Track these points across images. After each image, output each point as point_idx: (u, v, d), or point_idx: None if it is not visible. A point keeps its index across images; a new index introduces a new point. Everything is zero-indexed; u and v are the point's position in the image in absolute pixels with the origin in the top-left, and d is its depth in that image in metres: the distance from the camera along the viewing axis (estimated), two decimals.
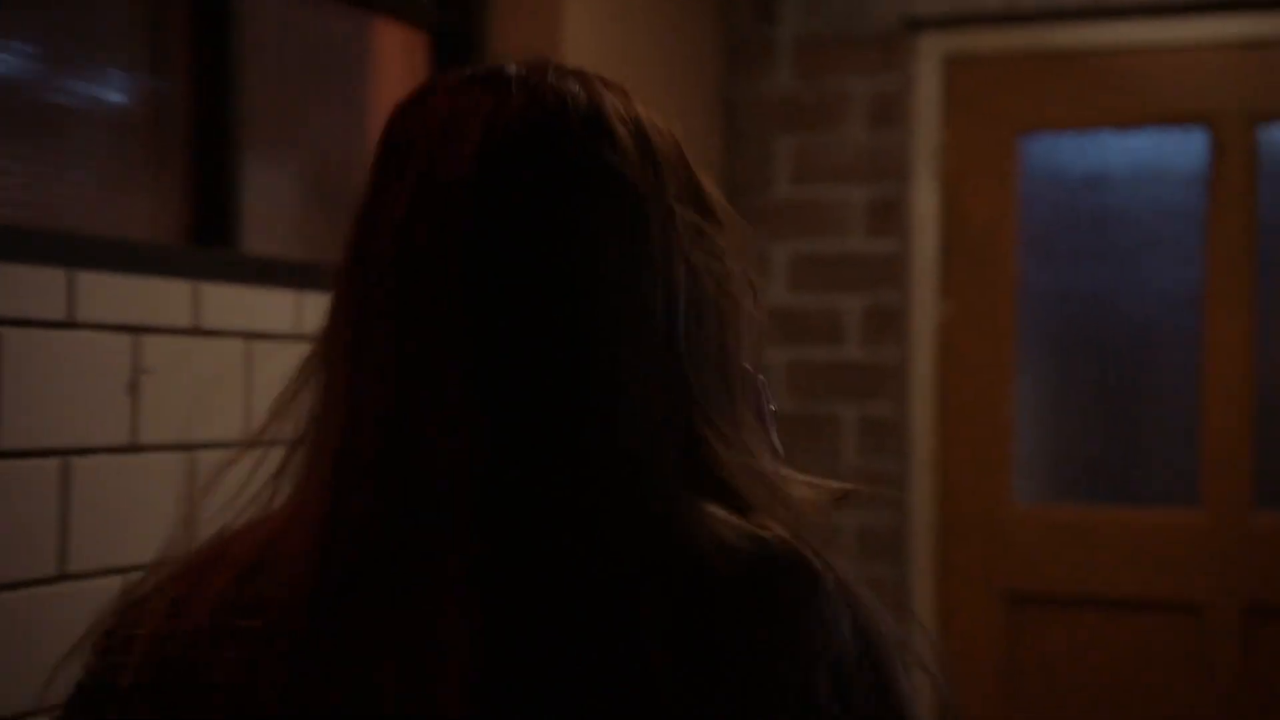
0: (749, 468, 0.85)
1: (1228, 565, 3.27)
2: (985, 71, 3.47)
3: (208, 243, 2.06)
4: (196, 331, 1.88)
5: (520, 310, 0.81)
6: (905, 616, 0.97)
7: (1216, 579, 3.28)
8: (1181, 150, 3.37)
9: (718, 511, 0.82)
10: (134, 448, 1.78)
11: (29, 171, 1.87)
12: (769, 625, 0.80)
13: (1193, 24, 3.32)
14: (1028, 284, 3.48)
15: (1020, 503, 3.45)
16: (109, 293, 1.74)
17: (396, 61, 2.73)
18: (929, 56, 3.48)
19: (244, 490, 0.86)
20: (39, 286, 1.66)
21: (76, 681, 0.87)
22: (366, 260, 0.84)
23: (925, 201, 3.49)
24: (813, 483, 0.91)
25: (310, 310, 2.04)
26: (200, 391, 1.85)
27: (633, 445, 0.81)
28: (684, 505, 0.82)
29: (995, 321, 3.47)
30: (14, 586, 1.61)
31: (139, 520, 1.75)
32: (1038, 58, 3.44)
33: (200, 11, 2.09)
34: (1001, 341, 3.47)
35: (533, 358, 0.81)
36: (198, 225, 2.07)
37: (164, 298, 1.84)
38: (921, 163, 3.49)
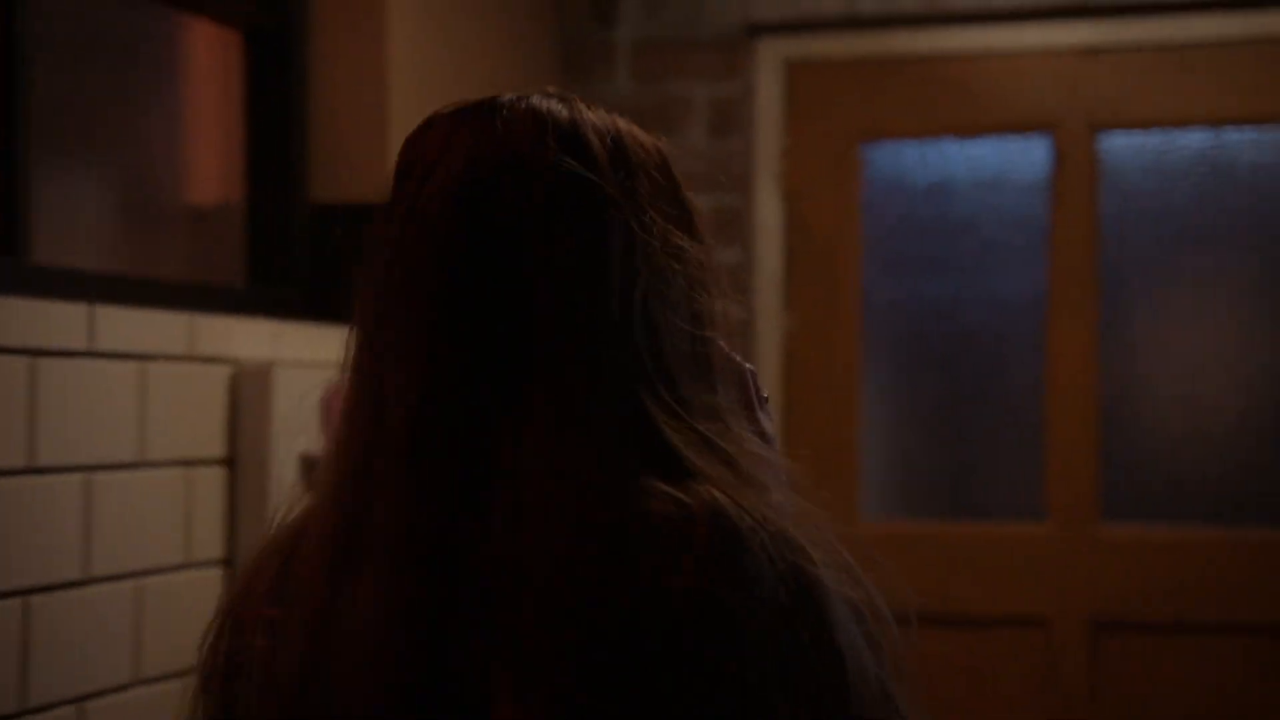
0: (699, 441, 0.89)
1: (1073, 578, 3.25)
2: (826, 77, 3.41)
3: None
4: None
5: (483, 299, 0.90)
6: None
7: (1063, 592, 3.25)
8: (1024, 158, 3.35)
9: (655, 483, 0.87)
10: None
11: None
12: (683, 583, 0.83)
13: (1034, 31, 3.30)
14: (872, 295, 3.42)
15: (867, 519, 3.39)
16: None
17: (209, 62, 2.56)
18: (769, 62, 3.41)
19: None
20: None
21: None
22: (371, 272, 0.94)
23: (768, 211, 3.42)
24: (767, 458, 0.95)
25: (105, 324, 1.88)
26: None
27: (576, 419, 0.87)
28: (619, 475, 0.87)
29: (840, 333, 3.41)
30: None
31: None
32: (878, 64, 3.39)
33: None
34: (847, 354, 3.41)
35: (490, 343, 0.89)
36: None
37: None
38: (763, 171, 3.42)
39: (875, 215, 3.42)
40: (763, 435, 1.02)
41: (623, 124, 0.97)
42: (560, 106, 0.96)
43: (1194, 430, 3.23)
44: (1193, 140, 3.24)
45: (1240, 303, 3.21)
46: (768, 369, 3.41)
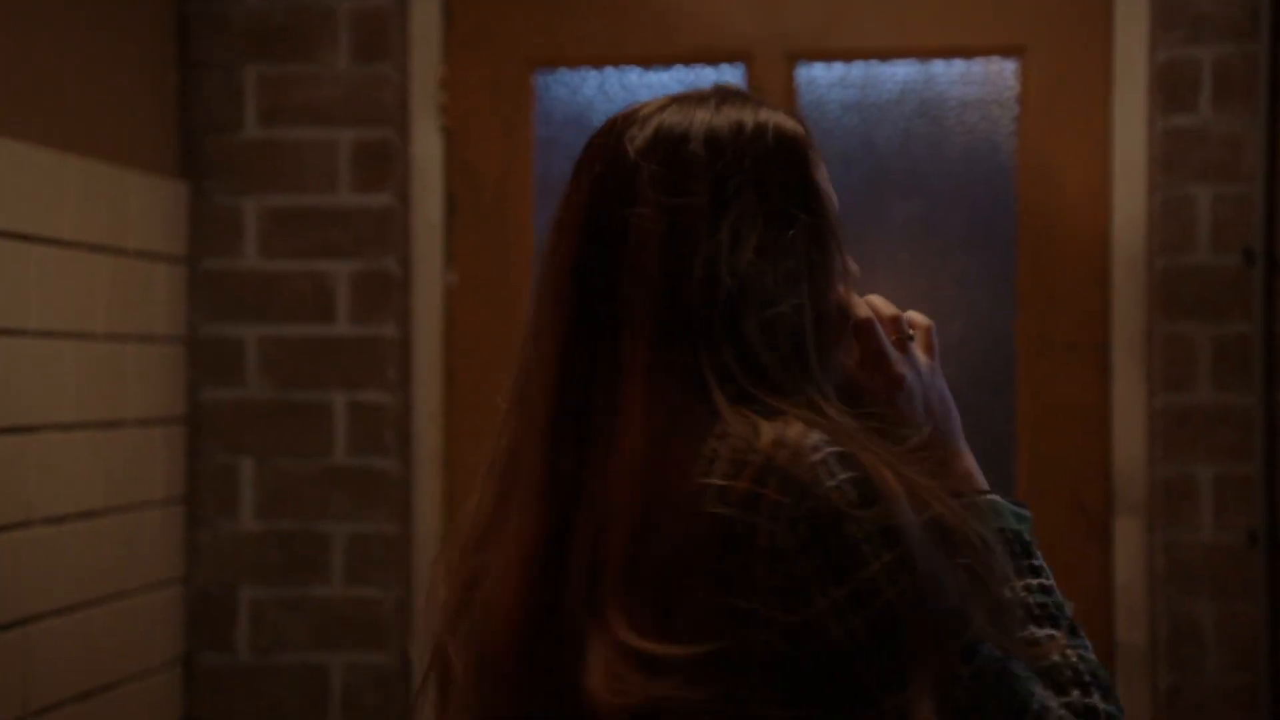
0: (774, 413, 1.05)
1: None
2: None
3: None
4: None
5: (590, 306, 1.09)
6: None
7: None
8: None
9: (723, 426, 1.04)
10: None
11: None
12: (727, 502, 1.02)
13: None
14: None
15: None
16: None
17: None
18: None
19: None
20: None
21: None
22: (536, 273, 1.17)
23: (425, 149, 2.99)
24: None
25: None
26: None
27: (653, 411, 1.06)
28: (688, 440, 1.04)
29: (510, 291, 3.00)
30: None
31: None
32: None
33: None
34: (516, 316, 2.99)
35: (596, 345, 1.08)
36: None
37: None
38: (420, 102, 2.98)
39: (551, 155, 3.02)
40: (891, 380, 1.15)
41: (724, 119, 1.10)
42: (676, 114, 1.11)
43: None
44: (899, 73, 2.95)
45: (951, 252, 2.94)
46: (425, 332, 2.98)
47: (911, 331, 1.17)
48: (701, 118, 1.10)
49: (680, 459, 1.03)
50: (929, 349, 1.18)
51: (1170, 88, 2.77)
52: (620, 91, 3.02)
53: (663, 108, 1.12)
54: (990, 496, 1.14)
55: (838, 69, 2.98)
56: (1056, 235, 2.86)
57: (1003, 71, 2.92)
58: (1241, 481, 2.73)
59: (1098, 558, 2.82)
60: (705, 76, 3.01)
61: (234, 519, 2.89)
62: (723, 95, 1.12)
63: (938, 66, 2.94)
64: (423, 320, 2.98)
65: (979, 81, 2.93)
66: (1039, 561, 1.13)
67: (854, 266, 1.15)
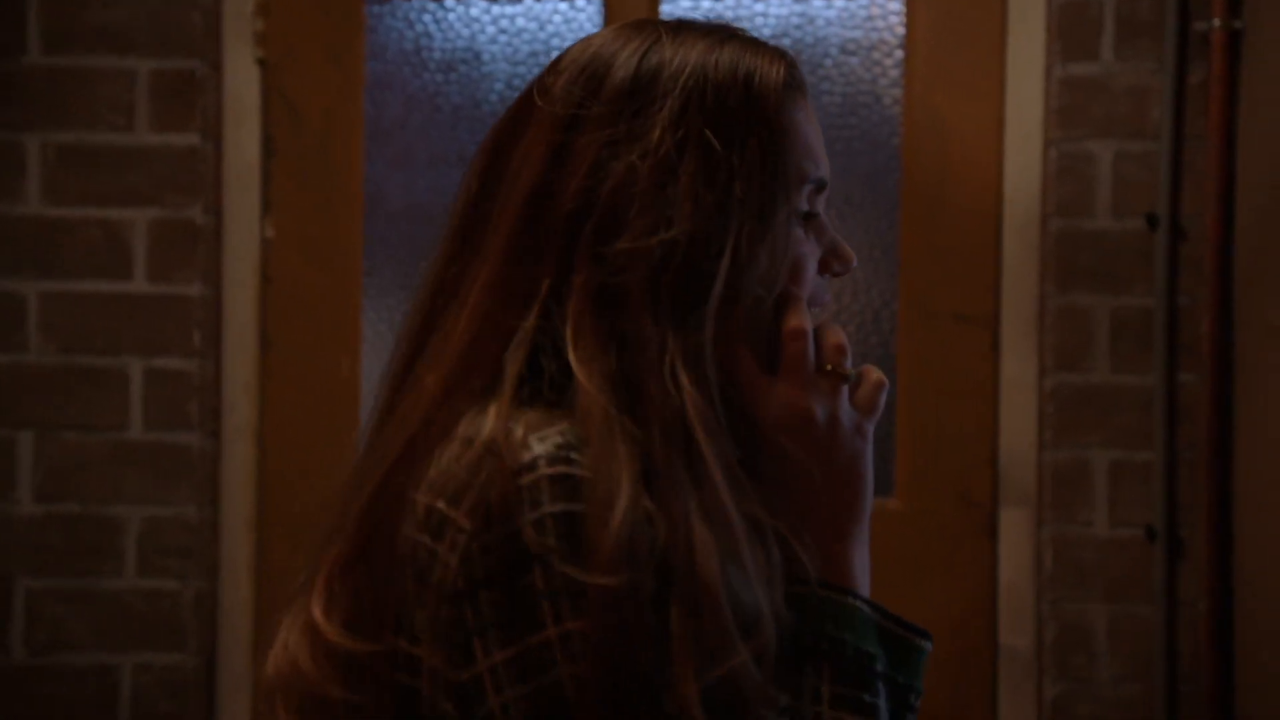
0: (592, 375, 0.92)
1: None
2: None
3: None
4: None
5: (468, 217, 1.01)
6: None
7: None
8: (575, 26, 2.73)
9: (479, 411, 0.92)
10: None
11: None
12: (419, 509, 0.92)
13: None
14: (379, 196, 2.75)
15: None
16: None
17: None
18: None
19: None
20: None
21: None
22: None
23: (240, 84, 2.69)
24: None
25: None
26: None
27: (449, 346, 0.96)
28: (452, 400, 0.94)
29: (336, 245, 2.72)
30: None
31: None
32: None
33: None
34: (345, 272, 2.72)
35: (459, 258, 1.00)
36: None
37: None
38: (234, 30, 2.69)
39: (383, 94, 2.75)
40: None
41: (686, 51, 0.99)
42: (616, 37, 1.02)
43: None
44: (773, 11, 2.70)
45: (826, 211, 2.69)
46: (237, 290, 2.68)
47: (854, 373, 1.01)
48: (642, 41, 1.00)
49: (419, 451, 0.93)
50: (868, 408, 1.01)
51: (1070, 31, 2.55)
52: (461, 26, 2.74)
53: (610, 31, 1.03)
54: (853, 600, 0.96)
55: (704, 5, 2.72)
56: (943, 195, 2.63)
57: (887, 12, 2.68)
58: (1140, 471, 2.53)
59: (983, 551, 2.60)
60: (559, 9, 2.73)
61: (9, 500, 2.58)
62: (685, 27, 1.02)
63: (817, 5, 2.70)
64: (235, 277, 2.69)
65: (861, 23, 2.70)
66: (878, 700, 0.92)
67: (849, 254, 1.03)
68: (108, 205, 2.60)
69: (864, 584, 0.99)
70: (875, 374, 1.03)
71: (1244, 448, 2.40)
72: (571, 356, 0.91)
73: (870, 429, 1.01)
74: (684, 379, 0.91)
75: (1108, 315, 2.54)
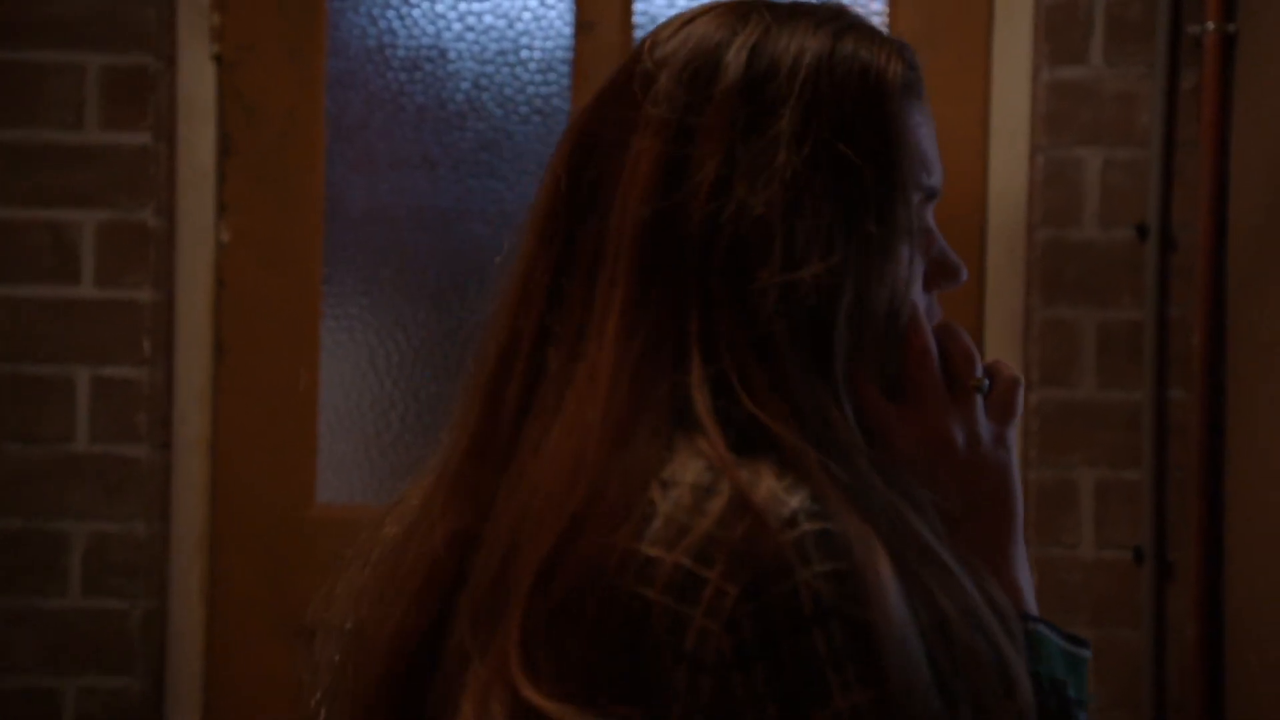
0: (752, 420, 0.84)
1: None
2: None
3: None
4: None
5: (568, 227, 0.92)
6: None
7: None
8: (545, 24, 2.64)
9: (687, 445, 0.84)
10: None
11: None
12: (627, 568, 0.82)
13: None
14: (340, 199, 2.66)
15: (328, 503, 2.62)
16: None
17: None
18: None
19: None
20: None
21: None
22: None
23: (195, 80, 2.60)
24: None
25: None
26: None
27: (599, 383, 0.85)
28: (627, 438, 0.85)
29: (295, 250, 2.63)
30: None
31: None
32: None
33: None
34: (304, 278, 2.64)
35: (560, 275, 0.91)
36: None
37: None
38: (189, 24, 2.60)
39: (345, 93, 2.66)
40: (939, 438, 0.90)
41: (798, 40, 0.90)
42: (717, 22, 0.92)
43: None
44: None
45: None
46: (190, 296, 2.59)
47: (985, 381, 0.94)
48: (750, 31, 0.91)
49: (615, 496, 0.82)
50: (1005, 413, 0.94)
51: (1058, 33, 2.48)
52: (428, 23, 2.66)
53: (706, 11, 0.94)
54: (1037, 626, 0.90)
55: (680, 3, 2.64)
56: None
57: (869, 13, 2.61)
58: (1128, 490, 2.45)
59: None
60: (528, 9, 2.65)
61: None
62: (795, 9, 0.93)
63: None
64: (188, 282, 2.60)
65: None
66: None
67: (959, 267, 0.96)
68: (54, 206, 2.51)
69: (1033, 602, 0.93)
70: (1007, 370, 0.96)
71: (1236, 467, 2.33)
72: (750, 405, 0.83)
73: (1012, 434, 0.94)
74: (847, 425, 0.86)
75: (1095, 329, 2.47)
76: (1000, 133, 2.53)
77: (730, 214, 0.86)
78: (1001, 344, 2.52)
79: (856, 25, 0.93)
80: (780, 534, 0.78)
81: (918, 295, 0.93)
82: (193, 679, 2.55)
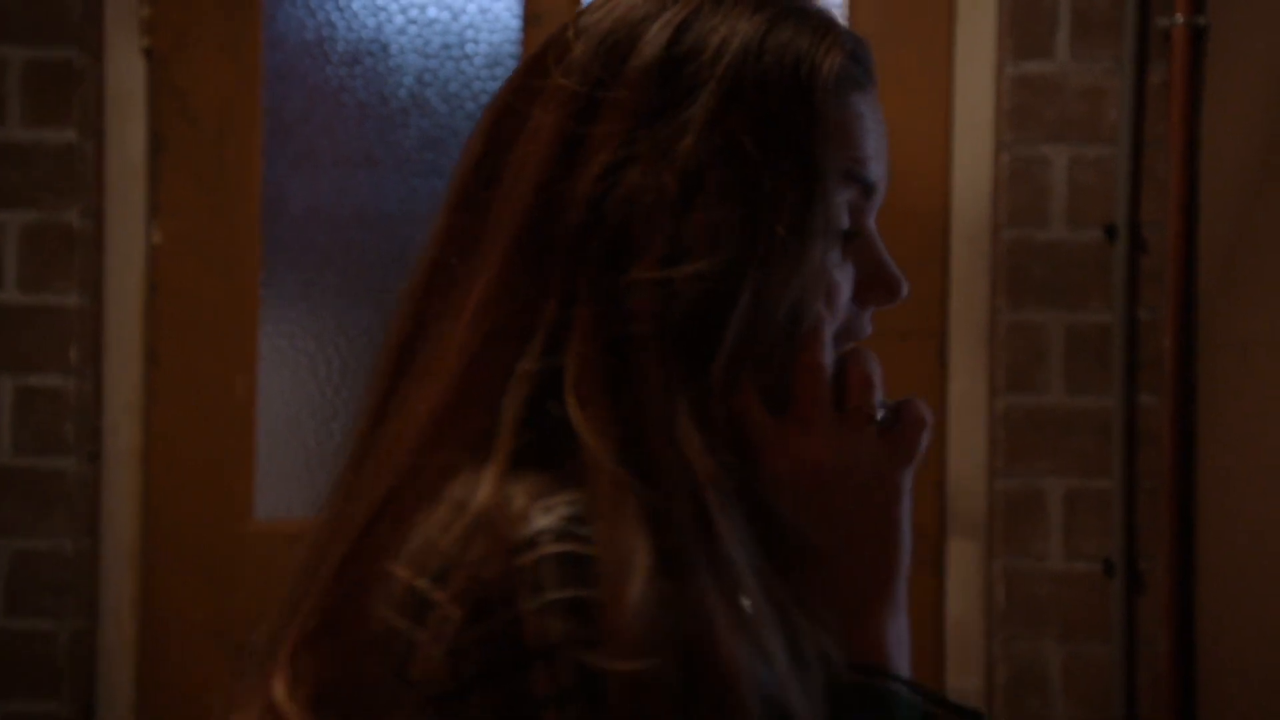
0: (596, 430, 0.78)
1: None
2: None
3: None
4: None
5: (467, 207, 0.87)
6: None
7: None
8: (491, 17, 2.56)
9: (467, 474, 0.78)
10: None
11: None
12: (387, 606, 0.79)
13: None
14: (278, 198, 2.57)
15: (265, 518, 2.53)
16: None
17: None
18: None
19: None
20: None
21: None
22: None
23: (125, 74, 2.51)
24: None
25: None
26: None
27: (434, 383, 0.81)
28: (429, 456, 0.81)
29: (231, 253, 2.54)
30: None
31: None
32: None
33: None
34: (241, 282, 2.54)
35: (454, 257, 0.86)
36: None
37: None
38: (117, 16, 2.51)
39: (284, 87, 2.57)
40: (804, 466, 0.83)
41: (729, 24, 0.84)
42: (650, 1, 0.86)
43: None
44: None
45: None
46: (120, 300, 2.49)
47: (881, 412, 0.86)
48: (681, 8, 0.84)
49: (399, 507, 0.79)
50: (904, 454, 0.86)
51: (1023, 27, 2.41)
52: (368, 16, 2.57)
53: None
54: (892, 685, 0.82)
55: None
56: (887, 202, 2.45)
57: (828, 5, 2.53)
58: (1097, 499, 2.39)
59: (928, 588, 2.45)
60: (474, 0, 2.57)
61: None
62: None
63: None
64: (118, 286, 2.50)
65: None
66: None
67: (898, 282, 0.89)
68: None
69: (902, 660, 0.85)
70: (915, 409, 0.87)
71: (1208, 474, 2.27)
72: (572, 409, 0.78)
73: (905, 476, 0.86)
74: (695, 440, 0.78)
75: (1063, 332, 2.40)
76: (964, 129, 2.46)
77: (617, 200, 0.80)
78: (967, 348, 2.45)
79: (800, 11, 0.87)
80: (514, 557, 0.73)
81: (842, 307, 0.87)
82: (124, 703, 2.45)
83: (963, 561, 2.45)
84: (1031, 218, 2.41)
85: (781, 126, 0.82)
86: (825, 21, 0.87)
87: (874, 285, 0.89)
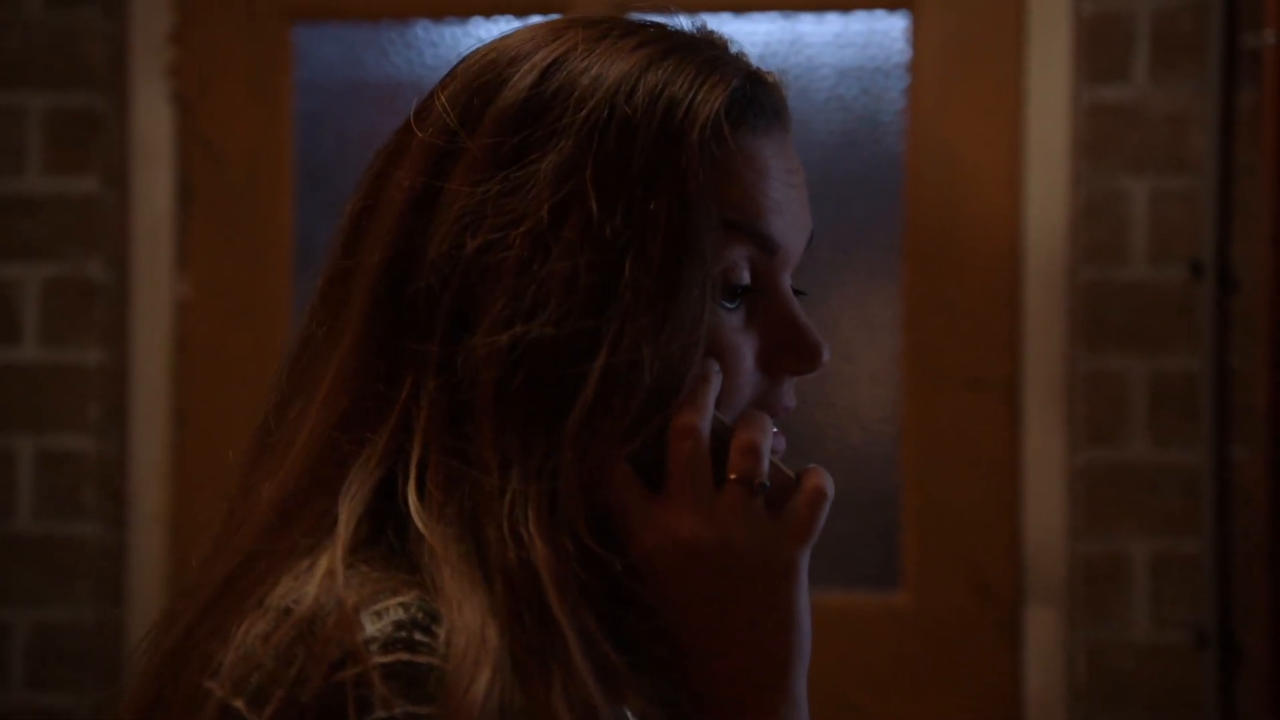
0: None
1: None
2: None
3: None
4: None
5: (331, 272, 0.85)
6: None
7: None
8: None
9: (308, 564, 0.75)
10: None
11: None
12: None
13: None
14: (312, 247, 2.53)
15: None
16: None
17: None
18: None
19: None
20: None
21: None
22: None
23: (151, 122, 2.52)
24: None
25: None
26: None
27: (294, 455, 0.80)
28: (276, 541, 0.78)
29: (264, 306, 2.52)
30: None
31: None
32: None
33: None
34: (273, 336, 2.51)
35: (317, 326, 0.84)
36: None
37: None
38: (143, 61, 2.52)
39: (315, 132, 2.56)
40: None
41: (604, 66, 0.80)
42: (522, 41, 0.82)
43: None
44: (759, 31, 2.49)
45: (818, 260, 2.47)
46: (146, 357, 2.48)
47: (763, 483, 0.80)
48: (554, 47, 0.81)
49: (221, 613, 0.75)
50: (800, 532, 0.80)
51: (1100, 48, 2.34)
52: (404, 52, 2.54)
53: (530, 28, 0.84)
54: None
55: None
56: (954, 240, 2.42)
57: (889, 31, 2.49)
58: (1186, 563, 2.29)
59: (1004, 657, 2.37)
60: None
61: None
62: (626, 31, 0.82)
63: (806, 24, 2.49)
64: (144, 342, 2.49)
65: (859, 43, 2.50)
66: None
67: (817, 348, 0.82)
68: None
69: None
70: (815, 479, 0.81)
71: None
72: (411, 496, 0.75)
73: (800, 555, 0.79)
74: (531, 526, 0.74)
75: (1146, 380, 2.32)
76: (1037, 161, 2.39)
77: (464, 260, 0.77)
78: (1041, 398, 2.36)
79: (687, 47, 0.82)
80: (337, 671, 0.69)
81: (745, 374, 0.81)
82: None
83: (1041, 630, 2.35)
84: (1110, 256, 2.33)
85: (648, 173, 0.78)
86: (714, 59, 0.82)
87: (786, 351, 0.82)
